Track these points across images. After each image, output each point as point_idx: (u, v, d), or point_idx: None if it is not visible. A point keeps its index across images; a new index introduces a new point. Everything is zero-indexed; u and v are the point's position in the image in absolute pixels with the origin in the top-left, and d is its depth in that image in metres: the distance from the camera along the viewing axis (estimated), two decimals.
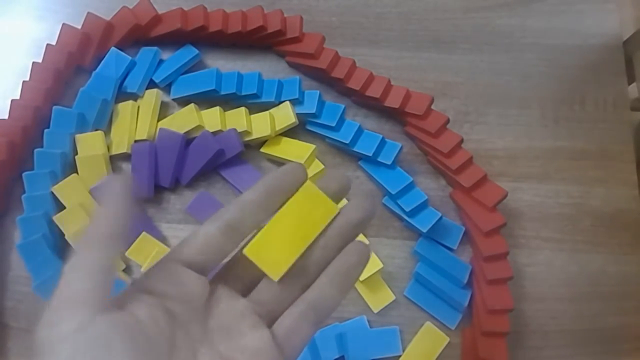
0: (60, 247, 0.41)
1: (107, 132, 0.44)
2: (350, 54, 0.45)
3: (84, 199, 0.41)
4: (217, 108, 0.44)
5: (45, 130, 0.42)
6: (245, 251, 0.25)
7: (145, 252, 0.41)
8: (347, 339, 0.39)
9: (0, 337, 0.41)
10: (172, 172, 0.43)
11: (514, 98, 0.47)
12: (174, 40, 0.46)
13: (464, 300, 0.40)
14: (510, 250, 0.40)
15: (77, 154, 0.42)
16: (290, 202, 0.25)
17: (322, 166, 0.43)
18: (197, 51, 0.46)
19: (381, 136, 0.43)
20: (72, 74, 0.46)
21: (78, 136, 0.42)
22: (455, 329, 0.41)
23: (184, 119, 0.43)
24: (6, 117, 0.42)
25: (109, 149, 0.43)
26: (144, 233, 0.41)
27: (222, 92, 0.44)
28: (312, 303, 0.25)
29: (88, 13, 0.45)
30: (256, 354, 0.24)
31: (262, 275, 0.25)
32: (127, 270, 0.42)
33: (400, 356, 0.40)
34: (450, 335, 0.40)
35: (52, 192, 0.41)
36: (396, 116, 0.45)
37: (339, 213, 0.26)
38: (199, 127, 0.43)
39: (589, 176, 0.45)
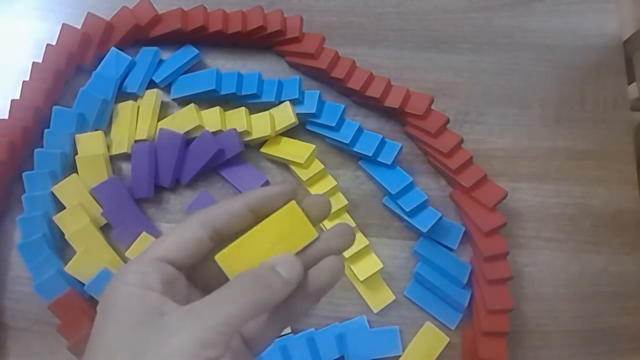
0: (60, 247, 0.41)
1: (107, 132, 0.44)
2: (350, 54, 0.45)
3: (84, 199, 0.41)
4: (217, 108, 0.44)
5: (45, 130, 0.42)
6: (217, 257, 0.25)
7: None
8: (347, 339, 0.39)
9: (0, 337, 0.41)
10: (172, 172, 0.43)
11: (514, 98, 0.47)
12: (174, 40, 0.46)
13: (464, 300, 0.40)
14: (510, 250, 0.40)
15: (77, 154, 0.42)
16: (271, 218, 0.25)
17: (322, 166, 0.43)
18: (197, 51, 0.46)
19: (381, 136, 0.43)
20: (72, 74, 0.46)
21: (78, 136, 0.42)
22: (455, 329, 0.41)
23: (184, 119, 0.43)
24: (6, 117, 0.42)
25: (109, 149, 0.43)
26: (144, 233, 0.41)
27: (222, 92, 0.44)
28: (283, 313, 0.25)
29: (88, 13, 0.45)
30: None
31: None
32: None
33: (400, 356, 0.40)
34: (450, 335, 0.40)
35: (52, 192, 0.41)
36: (396, 116, 0.45)
37: (317, 239, 0.26)
38: (199, 127, 0.43)
39: (589, 176, 0.45)
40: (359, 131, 0.43)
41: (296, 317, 0.26)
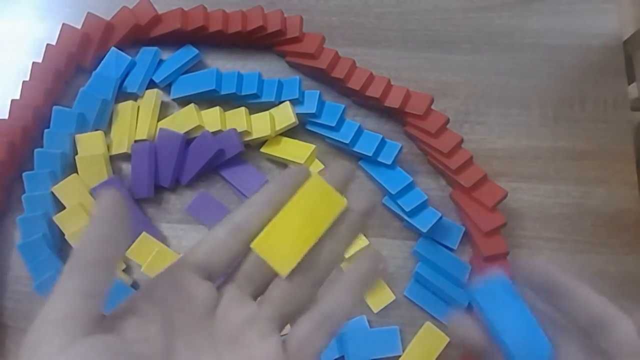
0: (60, 247, 0.41)
1: (107, 132, 0.44)
2: (350, 54, 0.45)
3: (84, 199, 0.41)
4: (217, 108, 0.44)
5: (45, 130, 0.42)
6: (253, 244, 0.24)
7: (145, 252, 0.41)
8: (347, 339, 0.39)
9: (0, 337, 0.41)
10: (172, 172, 0.43)
11: (514, 98, 0.47)
12: (174, 40, 0.46)
13: (464, 300, 0.40)
14: (510, 250, 0.40)
15: (77, 154, 0.42)
16: (298, 196, 0.25)
17: (322, 166, 0.43)
18: (197, 51, 0.46)
19: (381, 136, 0.43)
20: (72, 74, 0.46)
21: (78, 136, 0.42)
22: None
23: (184, 119, 0.43)
24: (6, 117, 0.42)
25: (109, 149, 0.43)
26: (144, 233, 0.41)
27: (222, 92, 0.44)
28: (328, 313, 0.24)
29: (88, 13, 0.45)
30: None
31: (273, 275, 0.25)
32: (127, 270, 0.42)
33: (400, 356, 0.40)
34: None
35: (52, 192, 0.41)
36: (396, 116, 0.45)
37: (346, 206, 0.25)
38: (199, 127, 0.43)
39: (589, 176, 0.45)
40: (359, 131, 0.43)
41: (341, 319, 0.25)
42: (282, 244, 0.24)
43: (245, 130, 0.43)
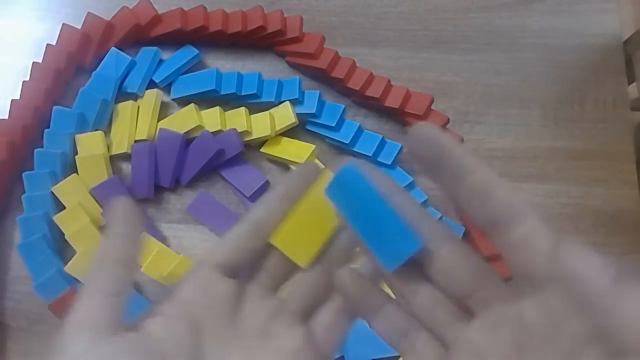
0: (60, 247, 0.41)
1: (107, 132, 0.44)
2: (350, 54, 0.45)
3: (84, 199, 0.41)
4: (217, 108, 0.44)
5: (45, 130, 0.42)
6: (271, 239, 0.25)
7: (145, 252, 0.40)
8: (347, 338, 0.39)
9: (0, 337, 0.41)
10: (172, 172, 0.43)
11: (514, 98, 0.47)
12: (174, 40, 0.46)
13: None
14: None
15: (77, 154, 0.42)
16: (311, 191, 0.25)
17: (322, 166, 0.43)
18: (197, 51, 0.46)
19: (381, 136, 0.43)
20: (72, 74, 0.46)
21: (78, 136, 0.42)
22: None
23: (184, 119, 0.43)
24: (6, 117, 0.42)
25: (109, 149, 0.43)
26: (144, 233, 0.41)
27: (222, 92, 0.44)
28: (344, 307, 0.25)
29: (88, 13, 0.45)
30: (294, 355, 0.24)
31: (294, 269, 0.25)
32: None
33: (400, 356, 0.40)
34: None
35: (52, 192, 0.41)
36: (396, 116, 0.45)
37: None
38: (199, 127, 0.43)
39: (589, 176, 0.45)
40: (359, 131, 0.43)
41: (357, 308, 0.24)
42: (299, 237, 0.25)
43: (245, 130, 0.43)
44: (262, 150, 0.44)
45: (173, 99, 0.46)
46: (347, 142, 0.43)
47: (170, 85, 0.46)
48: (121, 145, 0.43)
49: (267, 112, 0.44)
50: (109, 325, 0.21)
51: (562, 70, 0.47)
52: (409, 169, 0.43)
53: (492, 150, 0.45)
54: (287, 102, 0.44)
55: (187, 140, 0.43)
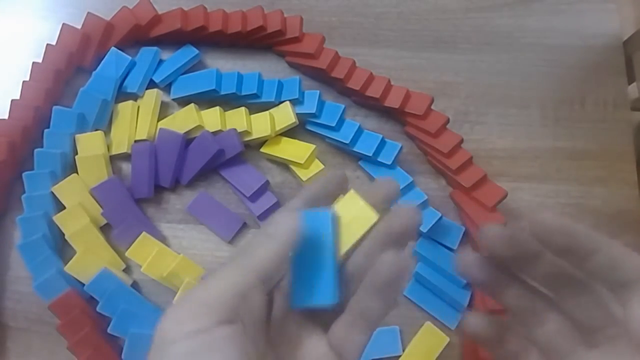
0: (60, 247, 0.41)
1: (107, 132, 0.44)
2: (350, 54, 0.45)
3: (84, 199, 0.41)
4: (217, 108, 0.44)
5: (45, 130, 0.42)
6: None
7: (145, 252, 0.41)
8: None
9: (0, 337, 0.41)
10: (172, 172, 0.43)
11: (514, 98, 0.47)
12: (174, 40, 0.46)
13: (464, 300, 0.40)
14: None
15: (77, 154, 0.42)
16: (335, 207, 0.26)
17: (322, 166, 0.43)
18: (197, 51, 0.46)
19: (381, 136, 0.43)
20: (72, 74, 0.46)
21: (78, 136, 0.42)
22: (455, 329, 0.41)
23: (184, 119, 0.43)
24: (6, 117, 0.42)
25: (109, 149, 0.43)
26: (144, 233, 0.41)
27: (222, 92, 0.44)
28: (361, 313, 0.25)
29: (88, 13, 0.45)
30: None
31: None
32: (127, 270, 0.42)
33: (400, 356, 0.40)
34: (450, 335, 0.40)
35: (52, 192, 0.41)
36: (396, 116, 0.45)
37: (378, 221, 0.26)
38: (199, 127, 0.43)
39: (589, 176, 0.45)
40: (359, 131, 0.43)
41: (373, 319, 0.25)
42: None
43: (245, 130, 0.43)
44: (262, 150, 0.44)
45: (173, 99, 0.46)
46: (347, 142, 0.43)
47: (170, 85, 0.46)
48: (121, 145, 0.43)
49: (267, 112, 0.44)
50: (226, 314, 0.22)
51: (562, 70, 0.47)
52: (409, 169, 0.43)
53: (492, 150, 0.45)
54: (287, 102, 0.44)
55: (187, 140, 0.43)
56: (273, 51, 0.47)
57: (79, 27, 0.45)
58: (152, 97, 0.44)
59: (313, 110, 0.43)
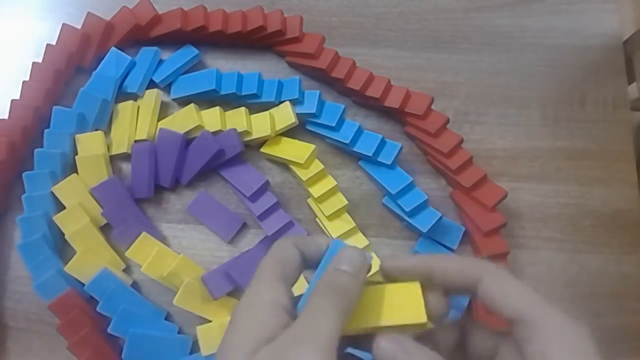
0: (60, 247, 0.41)
1: (107, 132, 0.44)
2: (350, 54, 0.45)
3: (84, 199, 0.41)
4: (217, 108, 0.44)
5: (45, 130, 0.42)
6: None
7: (145, 252, 0.41)
8: None
9: (0, 337, 0.41)
10: (172, 172, 0.43)
11: (514, 98, 0.47)
12: (174, 40, 0.46)
13: (464, 300, 0.40)
14: (510, 251, 0.40)
15: (77, 154, 0.42)
16: (394, 285, 0.25)
17: (322, 166, 0.43)
18: (197, 51, 0.46)
19: (381, 136, 0.43)
20: (72, 74, 0.46)
21: (78, 136, 0.42)
22: None
23: (184, 119, 0.43)
24: (6, 117, 0.42)
25: (109, 149, 0.43)
26: (144, 233, 0.41)
27: (222, 92, 0.44)
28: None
29: (88, 13, 0.45)
30: None
31: None
32: (127, 270, 0.42)
33: None
34: None
35: (52, 192, 0.41)
36: (396, 116, 0.45)
37: (423, 326, 0.25)
38: (199, 127, 0.43)
39: (589, 176, 0.45)
40: (359, 131, 0.43)
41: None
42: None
43: (245, 130, 0.43)
44: (262, 150, 0.44)
45: (173, 99, 0.46)
46: (347, 142, 0.43)
47: (170, 85, 0.46)
48: (121, 145, 0.43)
49: (267, 112, 0.44)
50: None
51: (562, 70, 0.48)
52: (409, 169, 0.43)
53: (492, 150, 0.45)
54: (287, 102, 0.44)
55: (187, 140, 0.43)
56: (273, 51, 0.47)
57: (79, 27, 0.45)
58: (152, 97, 0.44)
59: (313, 110, 0.43)
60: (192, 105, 0.44)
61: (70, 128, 0.42)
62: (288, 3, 0.49)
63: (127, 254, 0.41)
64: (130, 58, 0.45)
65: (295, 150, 0.43)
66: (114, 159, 0.44)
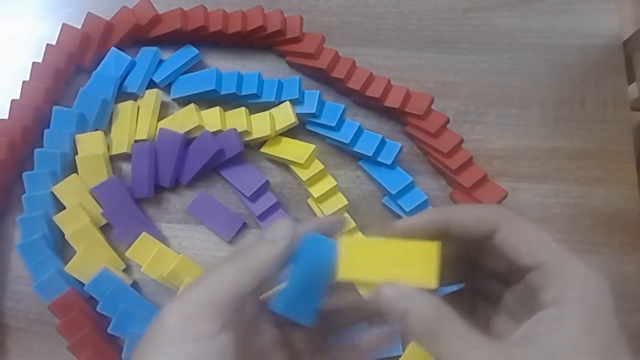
0: (60, 247, 0.41)
1: (107, 132, 0.44)
2: (350, 54, 0.45)
3: (84, 199, 0.41)
4: (217, 108, 0.44)
5: (45, 130, 0.42)
6: (340, 240, 0.24)
7: (145, 252, 0.41)
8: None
9: (0, 337, 0.41)
10: (172, 172, 0.43)
11: (514, 98, 0.47)
12: (174, 40, 0.46)
13: None
14: None
15: (77, 154, 0.42)
16: (410, 242, 0.24)
17: (322, 166, 0.43)
18: (197, 51, 0.46)
19: (381, 136, 0.43)
20: (72, 74, 0.46)
21: (78, 136, 0.42)
22: None
23: (184, 119, 0.43)
24: (6, 117, 0.42)
25: (109, 149, 0.43)
26: (144, 233, 0.41)
27: (222, 92, 0.44)
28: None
29: (88, 13, 0.45)
30: None
31: None
32: (127, 270, 0.42)
33: (400, 356, 0.40)
34: None
35: (52, 192, 0.41)
36: (396, 116, 0.45)
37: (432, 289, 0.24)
38: (199, 127, 0.43)
39: (589, 176, 0.45)
40: (359, 131, 0.43)
41: None
42: (360, 261, 0.24)
43: (245, 130, 0.43)
44: (262, 150, 0.44)
45: (173, 99, 0.46)
46: (347, 142, 0.43)
47: (170, 85, 0.46)
48: (121, 145, 0.43)
49: (267, 112, 0.44)
50: (232, 318, 0.22)
51: (562, 70, 0.47)
52: (409, 169, 0.43)
53: (492, 150, 0.45)
54: (287, 102, 0.44)
55: (187, 140, 0.43)
56: (273, 51, 0.47)
57: (79, 27, 0.45)
58: (152, 97, 0.44)
59: (313, 110, 0.43)
60: (192, 105, 0.44)
61: (70, 128, 0.42)
62: (288, 3, 0.49)
63: (127, 254, 0.41)
64: (130, 58, 0.45)
65: (295, 150, 0.43)
66: (114, 159, 0.44)
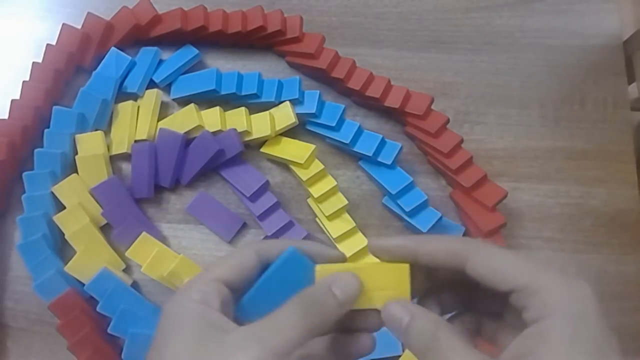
0: (60, 247, 0.41)
1: (107, 132, 0.44)
2: (350, 54, 0.45)
3: (84, 199, 0.41)
4: (217, 108, 0.44)
5: (45, 130, 0.42)
6: (318, 267, 0.26)
7: (145, 252, 0.41)
8: None
9: (0, 337, 0.41)
10: (172, 172, 0.43)
11: (514, 98, 0.47)
12: (174, 40, 0.46)
13: None
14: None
15: (77, 154, 0.42)
16: (380, 264, 0.26)
17: (322, 166, 0.43)
18: (197, 51, 0.46)
19: (381, 136, 0.43)
20: (72, 74, 0.46)
21: (78, 136, 0.42)
22: None
23: (184, 119, 0.43)
24: (6, 117, 0.42)
25: (109, 149, 0.43)
26: (144, 233, 0.41)
27: (222, 92, 0.44)
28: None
29: (88, 13, 0.45)
30: None
31: None
32: (127, 270, 0.42)
33: (400, 356, 0.40)
34: None
35: (52, 192, 0.41)
36: (396, 116, 0.45)
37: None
38: (199, 127, 0.43)
39: (589, 176, 0.45)
40: (359, 131, 0.43)
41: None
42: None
43: (245, 130, 0.43)
44: (262, 150, 0.44)
45: (173, 99, 0.46)
46: (347, 142, 0.43)
47: (170, 85, 0.46)
48: (121, 145, 0.43)
49: (267, 112, 0.44)
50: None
51: (562, 70, 0.48)
52: (409, 169, 0.43)
53: (492, 150, 0.45)
54: (287, 102, 0.44)
55: (187, 140, 0.43)
56: (273, 51, 0.47)
57: (79, 27, 0.45)
58: (152, 97, 0.44)
59: (313, 110, 0.43)
60: (192, 105, 0.44)
61: (70, 128, 0.42)
62: (288, 3, 0.49)
63: (127, 254, 0.41)
64: (130, 58, 0.45)
65: (295, 150, 0.43)
66: (114, 159, 0.44)
